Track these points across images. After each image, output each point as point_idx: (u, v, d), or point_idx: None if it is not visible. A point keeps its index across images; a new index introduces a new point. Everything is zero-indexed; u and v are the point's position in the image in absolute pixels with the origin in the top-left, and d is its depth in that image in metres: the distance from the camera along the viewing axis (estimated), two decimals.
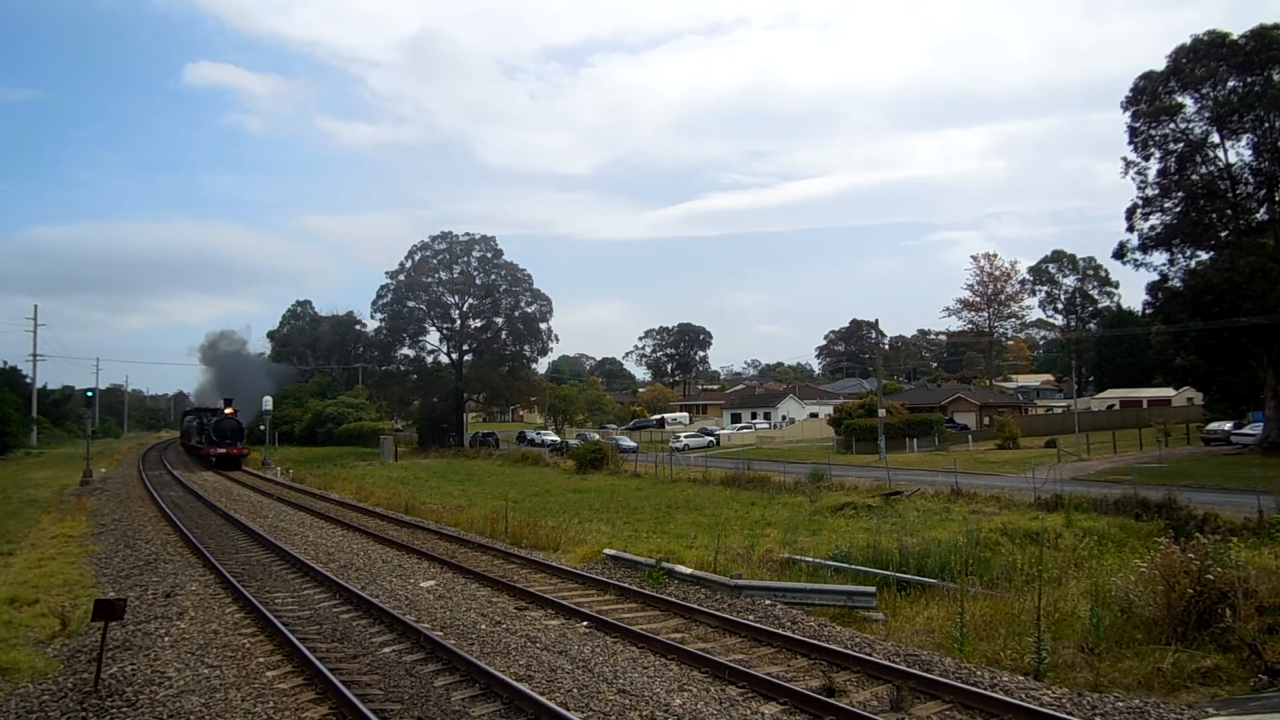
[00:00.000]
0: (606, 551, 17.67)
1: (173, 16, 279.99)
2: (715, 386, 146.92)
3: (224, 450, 49.02)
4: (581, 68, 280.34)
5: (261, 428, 61.34)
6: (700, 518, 25.14)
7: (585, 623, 12.18)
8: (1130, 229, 47.84)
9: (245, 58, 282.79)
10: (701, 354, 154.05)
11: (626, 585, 14.74)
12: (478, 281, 70.98)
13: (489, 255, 71.82)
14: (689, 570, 15.36)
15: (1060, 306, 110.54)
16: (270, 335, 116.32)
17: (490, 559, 18.14)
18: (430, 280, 70.36)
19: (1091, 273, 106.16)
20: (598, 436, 64.33)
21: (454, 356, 71.59)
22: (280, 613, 12.74)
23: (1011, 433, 55.86)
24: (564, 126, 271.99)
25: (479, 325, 71.85)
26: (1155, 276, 47.95)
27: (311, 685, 9.44)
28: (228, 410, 50.87)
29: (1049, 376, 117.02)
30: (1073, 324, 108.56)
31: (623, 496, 31.72)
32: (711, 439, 71.10)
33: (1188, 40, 44.37)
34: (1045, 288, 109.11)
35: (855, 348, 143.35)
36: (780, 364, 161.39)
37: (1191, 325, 44.41)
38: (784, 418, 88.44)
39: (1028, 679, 9.76)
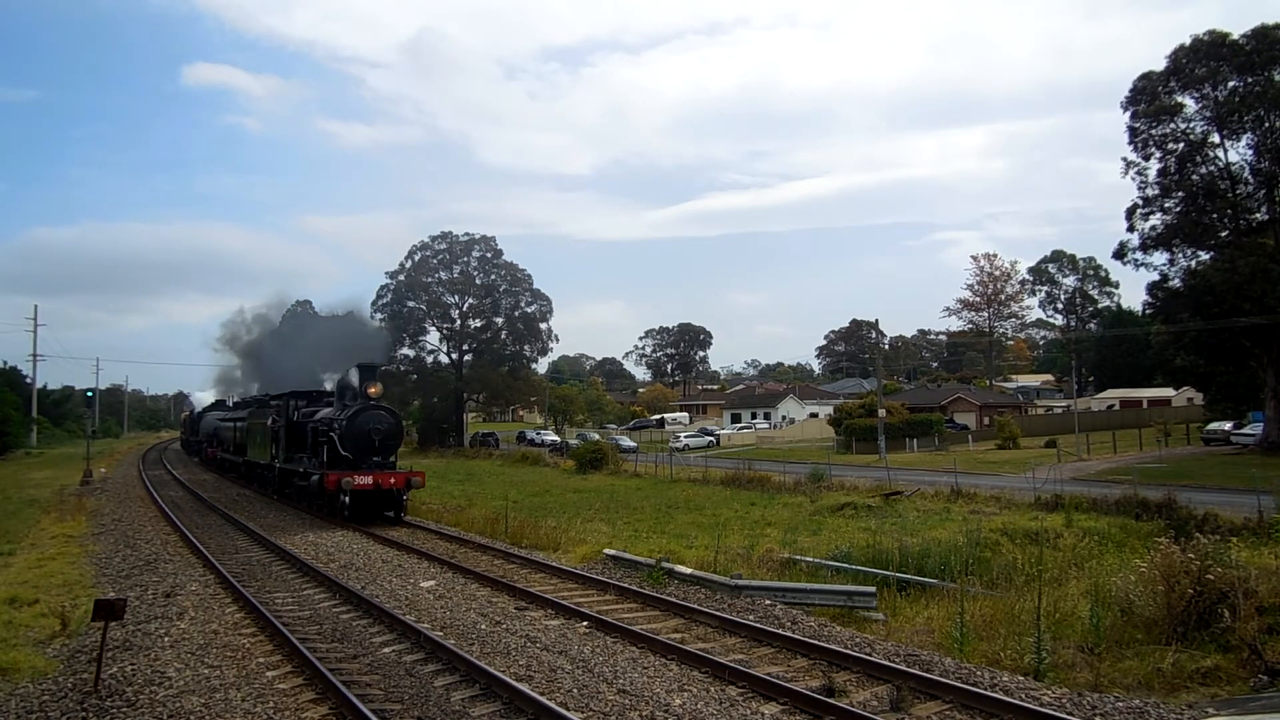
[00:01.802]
0: (606, 551, 17.67)
1: (171, 16, 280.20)
2: (715, 386, 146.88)
3: (370, 482, 22.82)
4: (581, 68, 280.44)
5: None
6: (700, 518, 25.13)
7: (585, 623, 12.18)
8: (1130, 229, 47.96)
9: (244, 58, 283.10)
10: (701, 354, 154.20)
11: (626, 585, 14.74)
12: (478, 281, 71.09)
13: (489, 255, 71.94)
14: (689, 570, 15.36)
15: (1060, 306, 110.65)
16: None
17: (490, 559, 18.14)
18: (430, 280, 70.46)
19: (1091, 273, 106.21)
20: (598, 436, 64.33)
21: (454, 356, 71.69)
22: (280, 613, 12.73)
23: (1011, 433, 55.88)
24: (564, 126, 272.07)
25: (479, 325, 71.98)
26: (1155, 276, 48.09)
27: (311, 685, 9.44)
28: (371, 390, 24.52)
29: (1049, 376, 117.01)
30: (1073, 324, 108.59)
31: (623, 496, 31.71)
32: (711, 439, 71.13)
33: (1188, 40, 44.47)
34: (1045, 288, 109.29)
35: (855, 348, 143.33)
36: (780, 364, 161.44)
37: (1191, 325, 44.45)
38: (784, 418, 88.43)
39: (1028, 679, 9.76)
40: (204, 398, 62.57)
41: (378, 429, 24.09)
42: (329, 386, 29.48)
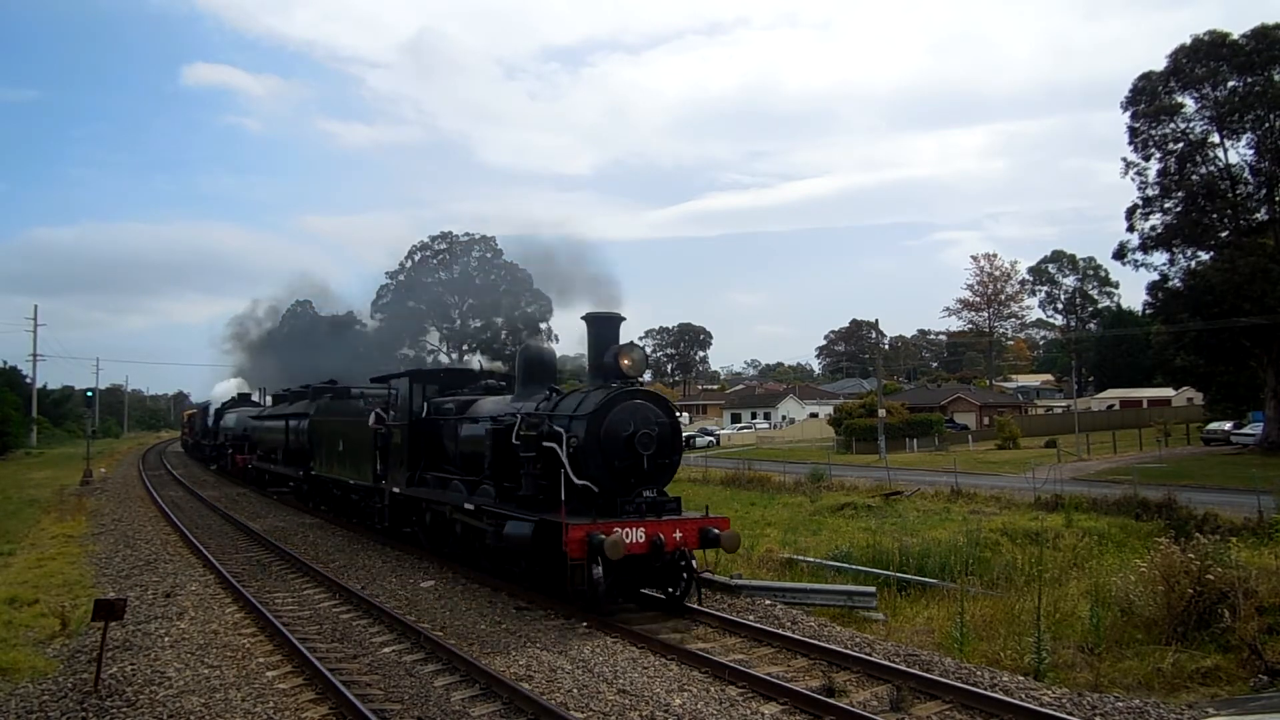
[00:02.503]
0: None
1: (171, 16, 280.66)
2: (715, 386, 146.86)
3: (643, 539, 11.72)
4: (581, 68, 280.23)
5: None
6: None
7: (585, 623, 12.17)
8: (1130, 229, 48.02)
9: (244, 58, 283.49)
10: (701, 354, 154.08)
11: None
12: (477, 282, 71.17)
13: (489, 255, 72.03)
14: None
15: (1060, 306, 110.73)
16: (270, 334, 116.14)
17: None
18: (430, 280, 70.55)
19: (1091, 273, 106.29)
20: None
21: (454, 356, 71.65)
22: (280, 613, 12.73)
23: (1011, 433, 55.90)
24: (564, 126, 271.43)
25: (479, 325, 72.02)
26: (1155, 276, 48.13)
27: (311, 685, 9.43)
28: (625, 363, 13.03)
29: (1049, 376, 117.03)
30: (1073, 324, 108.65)
31: None
32: (711, 439, 71.14)
33: (1188, 40, 44.49)
34: (1045, 288, 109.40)
35: (855, 348, 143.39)
36: (780, 364, 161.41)
37: (1191, 325, 44.47)
38: (784, 418, 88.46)
39: (1028, 679, 9.75)
40: (226, 388, 54.06)
41: (647, 434, 12.79)
42: (475, 365, 19.96)
